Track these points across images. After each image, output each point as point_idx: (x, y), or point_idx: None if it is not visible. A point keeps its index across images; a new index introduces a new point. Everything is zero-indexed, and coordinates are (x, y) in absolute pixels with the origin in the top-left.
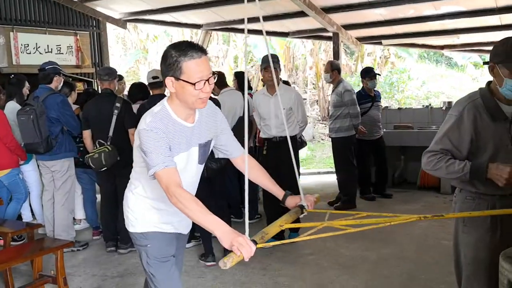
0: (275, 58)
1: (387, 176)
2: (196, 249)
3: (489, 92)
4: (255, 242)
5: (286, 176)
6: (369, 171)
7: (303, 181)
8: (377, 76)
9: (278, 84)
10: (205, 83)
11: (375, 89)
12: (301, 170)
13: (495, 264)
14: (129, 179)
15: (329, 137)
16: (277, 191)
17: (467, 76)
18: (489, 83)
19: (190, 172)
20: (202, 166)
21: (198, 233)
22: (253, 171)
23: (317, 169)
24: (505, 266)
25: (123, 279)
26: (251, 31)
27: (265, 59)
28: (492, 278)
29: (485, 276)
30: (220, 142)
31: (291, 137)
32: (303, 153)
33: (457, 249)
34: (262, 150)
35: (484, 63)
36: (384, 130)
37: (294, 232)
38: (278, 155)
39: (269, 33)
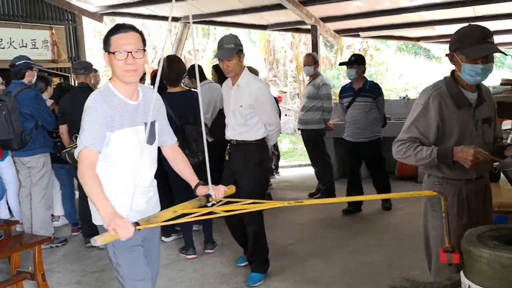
0: (230, 42)
1: (383, 191)
2: (176, 242)
3: (453, 80)
4: (136, 224)
5: (242, 189)
6: (356, 179)
7: (284, 174)
8: (351, 63)
9: (241, 73)
10: (128, 55)
11: (374, 81)
12: (282, 163)
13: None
14: None
15: (298, 129)
16: (192, 179)
17: (444, 68)
18: (453, 71)
19: (139, 152)
20: (152, 149)
21: (178, 227)
22: (176, 159)
23: (298, 161)
24: (467, 246)
25: (103, 274)
26: (228, 24)
27: (218, 45)
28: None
29: None
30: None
31: (253, 142)
32: (284, 145)
33: (427, 233)
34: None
35: (446, 55)
36: None
37: (255, 272)
38: (236, 163)
39: (247, 25)
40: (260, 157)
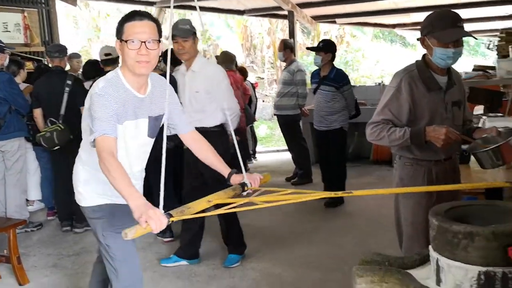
0: (185, 24)
1: (335, 184)
2: None
3: (425, 64)
4: (170, 216)
5: (204, 179)
6: (327, 167)
7: (262, 159)
8: (320, 50)
9: (195, 57)
10: (141, 45)
11: (341, 71)
12: (260, 148)
13: None
14: None
15: (274, 114)
16: (223, 169)
17: (419, 55)
18: (424, 55)
19: (138, 143)
20: (152, 141)
21: None
22: (201, 149)
23: (275, 147)
24: (434, 221)
25: (79, 257)
26: (205, 9)
27: (173, 28)
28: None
29: (423, 237)
30: (169, 119)
31: (212, 129)
32: (262, 131)
33: (398, 213)
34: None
35: (418, 39)
36: None
37: (232, 254)
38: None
39: (224, 10)
40: (221, 145)
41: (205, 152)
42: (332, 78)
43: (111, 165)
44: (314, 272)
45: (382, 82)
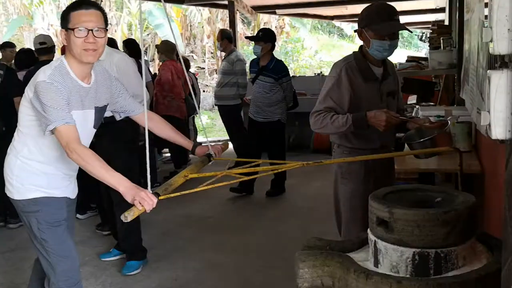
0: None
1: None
2: (92, 219)
3: (362, 55)
4: (157, 195)
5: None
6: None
7: None
8: (259, 40)
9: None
10: (88, 32)
11: (281, 62)
12: (200, 139)
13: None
14: None
15: (215, 104)
16: (186, 143)
17: (356, 46)
18: (361, 47)
19: (83, 134)
20: (94, 131)
21: (93, 204)
22: (158, 126)
23: (216, 137)
24: (373, 205)
25: (14, 254)
26: None
27: None
28: (367, 223)
29: (361, 221)
30: (118, 105)
31: (122, 119)
32: (202, 121)
33: (337, 198)
34: None
35: (355, 31)
36: None
37: (130, 261)
38: (106, 143)
39: None
40: (132, 134)
41: (165, 129)
42: (271, 69)
43: (84, 153)
44: (257, 259)
45: (321, 72)
